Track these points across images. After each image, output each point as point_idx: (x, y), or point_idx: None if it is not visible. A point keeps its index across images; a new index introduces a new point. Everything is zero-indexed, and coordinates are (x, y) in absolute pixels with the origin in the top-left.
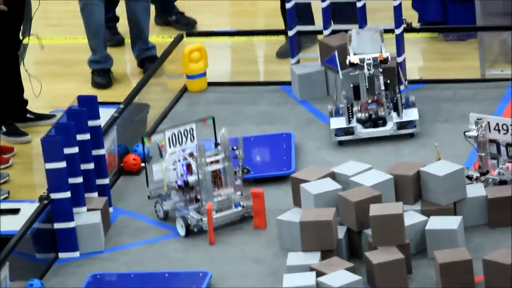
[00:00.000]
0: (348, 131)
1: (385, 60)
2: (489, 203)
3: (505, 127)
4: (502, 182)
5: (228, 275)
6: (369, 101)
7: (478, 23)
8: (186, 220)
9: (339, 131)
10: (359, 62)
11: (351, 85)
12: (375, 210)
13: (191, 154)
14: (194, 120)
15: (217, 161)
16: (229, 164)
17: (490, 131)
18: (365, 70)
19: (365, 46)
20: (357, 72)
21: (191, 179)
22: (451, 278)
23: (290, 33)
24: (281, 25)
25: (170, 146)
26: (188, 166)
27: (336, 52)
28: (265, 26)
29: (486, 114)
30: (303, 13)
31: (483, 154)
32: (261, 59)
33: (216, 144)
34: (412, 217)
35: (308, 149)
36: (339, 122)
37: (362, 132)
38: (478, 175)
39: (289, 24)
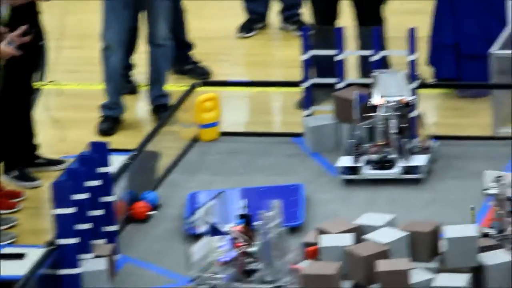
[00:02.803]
0: (354, 170)
1: (407, 104)
2: None
3: None
4: None
5: None
6: (381, 143)
7: (492, 81)
8: None
9: (346, 170)
10: (380, 104)
11: (366, 126)
12: (382, 265)
13: (233, 229)
14: (215, 196)
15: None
16: (283, 230)
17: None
18: (380, 112)
19: (390, 88)
20: (373, 114)
21: (252, 249)
22: None
23: (305, 85)
24: (297, 77)
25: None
26: (233, 241)
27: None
28: (281, 77)
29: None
30: (327, 66)
31: (503, 212)
32: (275, 110)
33: (242, 216)
34: (420, 274)
35: (317, 201)
36: (347, 161)
37: (367, 172)
38: (496, 232)
39: (303, 76)
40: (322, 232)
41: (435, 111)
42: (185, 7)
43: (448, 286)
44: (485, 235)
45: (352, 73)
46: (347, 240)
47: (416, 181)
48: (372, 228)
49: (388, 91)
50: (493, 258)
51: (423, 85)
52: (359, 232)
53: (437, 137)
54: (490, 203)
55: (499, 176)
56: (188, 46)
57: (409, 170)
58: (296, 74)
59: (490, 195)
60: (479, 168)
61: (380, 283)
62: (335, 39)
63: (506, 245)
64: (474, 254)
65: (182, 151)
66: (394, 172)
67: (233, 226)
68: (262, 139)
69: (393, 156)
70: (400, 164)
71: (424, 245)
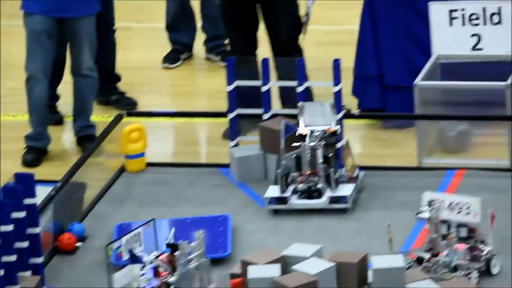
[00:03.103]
0: (282, 200)
1: (333, 133)
2: None
3: (458, 207)
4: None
5: None
6: (308, 173)
7: (417, 112)
8: None
9: (273, 200)
10: (306, 133)
11: (293, 156)
12: None
13: (157, 257)
14: (140, 225)
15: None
16: (206, 260)
17: (441, 211)
18: (307, 142)
19: (316, 118)
20: (299, 144)
21: (173, 279)
22: None
23: (230, 115)
24: (223, 107)
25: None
26: (155, 269)
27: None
28: (206, 108)
29: (421, 203)
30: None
31: (435, 235)
32: (201, 140)
33: (168, 245)
34: None
35: (244, 232)
36: (274, 191)
37: (295, 203)
38: (429, 256)
39: (229, 107)
40: (248, 263)
41: (360, 141)
42: (116, 40)
43: None
44: (418, 259)
45: (276, 104)
46: (274, 271)
47: (343, 211)
48: (299, 259)
49: (314, 120)
50: None
51: (348, 116)
52: (286, 263)
53: (362, 168)
54: (424, 226)
55: (432, 200)
56: (116, 78)
57: (336, 200)
58: (221, 104)
59: (423, 219)
60: (404, 198)
61: None
62: (257, 70)
63: (438, 270)
64: (401, 285)
65: (108, 182)
66: (321, 202)
67: (158, 255)
68: (189, 170)
69: (320, 185)
70: (327, 194)
71: (351, 276)
